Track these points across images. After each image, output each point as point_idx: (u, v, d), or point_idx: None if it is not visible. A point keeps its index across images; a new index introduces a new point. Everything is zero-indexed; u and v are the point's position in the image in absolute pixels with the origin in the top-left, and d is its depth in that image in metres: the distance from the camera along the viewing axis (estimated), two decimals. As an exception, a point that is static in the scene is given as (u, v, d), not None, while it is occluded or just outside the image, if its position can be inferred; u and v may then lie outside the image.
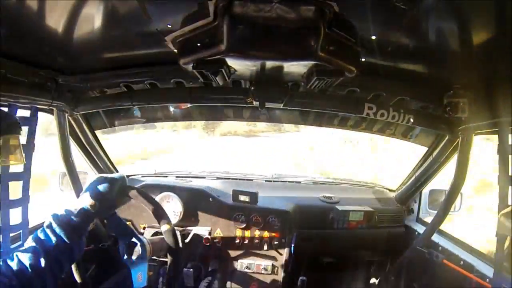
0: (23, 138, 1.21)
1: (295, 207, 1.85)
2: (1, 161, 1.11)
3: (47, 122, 1.76)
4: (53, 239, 0.92)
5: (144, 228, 1.74)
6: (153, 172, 2.34)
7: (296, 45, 0.97)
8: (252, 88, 1.38)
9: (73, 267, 1.31)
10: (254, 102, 1.41)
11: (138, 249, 1.29)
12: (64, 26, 1.03)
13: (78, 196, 1.64)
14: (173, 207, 1.80)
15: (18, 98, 1.17)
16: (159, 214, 1.24)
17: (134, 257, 1.29)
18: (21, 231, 1.31)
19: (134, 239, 1.29)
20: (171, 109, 1.94)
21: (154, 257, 1.38)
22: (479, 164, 6.02)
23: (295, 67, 1.14)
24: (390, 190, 2.23)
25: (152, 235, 1.61)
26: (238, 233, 1.79)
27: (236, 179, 2.23)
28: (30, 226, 1.38)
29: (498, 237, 1.23)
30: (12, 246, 1.26)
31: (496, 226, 1.23)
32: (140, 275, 1.28)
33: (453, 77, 1.33)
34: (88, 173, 1.97)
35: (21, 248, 0.91)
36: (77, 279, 1.31)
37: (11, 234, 1.26)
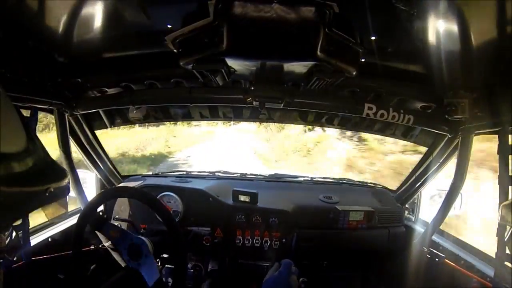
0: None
1: (295, 207, 1.84)
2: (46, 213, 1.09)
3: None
4: None
5: (144, 228, 1.75)
6: (153, 173, 2.35)
7: (296, 46, 0.97)
8: (252, 88, 1.38)
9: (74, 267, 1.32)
10: (254, 102, 1.41)
11: (139, 249, 1.30)
12: (64, 26, 1.03)
13: (78, 195, 1.65)
14: (173, 207, 1.80)
15: (18, 98, 1.16)
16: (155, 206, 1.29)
17: (139, 258, 1.30)
18: (21, 231, 1.31)
19: (133, 241, 1.30)
20: (171, 109, 1.94)
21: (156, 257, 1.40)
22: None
23: (295, 67, 1.14)
24: (390, 190, 2.23)
25: (153, 235, 1.62)
26: (238, 233, 1.79)
27: (236, 179, 2.22)
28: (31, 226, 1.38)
29: (499, 236, 1.23)
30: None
31: (497, 227, 1.23)
32: (151, 272, 1.28)
33: (453, 77, 1.33)
34: (88, 173, 1.97)
35: None
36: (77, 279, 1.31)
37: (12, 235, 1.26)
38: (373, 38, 1.07)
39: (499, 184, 1.25)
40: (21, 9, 0.90)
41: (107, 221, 1.33)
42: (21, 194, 0.45)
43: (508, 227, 1.17)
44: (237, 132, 20.10)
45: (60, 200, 1.13)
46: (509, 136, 1.24)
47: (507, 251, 1.19)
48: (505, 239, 1.17)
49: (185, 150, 13.57)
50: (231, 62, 1.10)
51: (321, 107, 1.56)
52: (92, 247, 1.75)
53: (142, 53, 1.34)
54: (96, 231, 1.30)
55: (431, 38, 1.05)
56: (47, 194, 0.82)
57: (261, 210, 1.81)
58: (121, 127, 1.79)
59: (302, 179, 2.28)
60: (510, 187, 1.21)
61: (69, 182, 0.98)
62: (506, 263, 1.22)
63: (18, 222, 1.26)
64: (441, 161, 1.78)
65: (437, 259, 1.65)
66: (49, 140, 1.58)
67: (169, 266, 1.66)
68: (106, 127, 1.94)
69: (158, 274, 1.26)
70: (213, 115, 1.98)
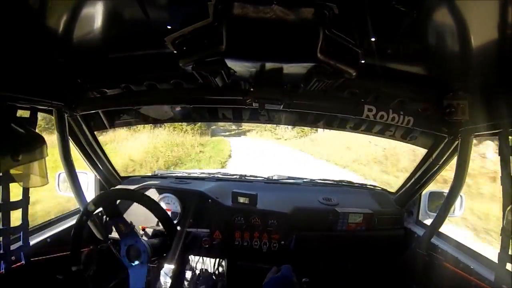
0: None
1: (294, 209, 1.84)
2: (22, 182, 1.07)
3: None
4: None
5: (143, 229, 1.74)
6: (152, 174, 2.34)
7: (296, 47, 0.97)
8: (252, 89, 1.38)
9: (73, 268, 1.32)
10: (253, 104, 1.41)
11: (139, 253, 1.30)
12: (64, 26, 1.03)
13: (77, 196, 1.65)
14: (172, 208, 1.80)
15: (17, 98, 1.16)
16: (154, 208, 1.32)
17: (134, 261, 1.30)
18: (21, 232, 1.30)
19: (137, 243, 1.30)
20: (171, 110, 1.94)
21: (154, 259, 1.40)
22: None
23: (295, 69, 1.14)
24: (390, 192, 2.23)
25: (152, 236, 1.61)
26: (237, 235, 1.78)
27: (236, 180, 2.22)
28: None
29: (502, 238, 1.22)
30: (12, 248, 1.26)
31: (501, 228, 1.22)
32: (139, 279, 1.28)
33: (453, 79, 1.33)
34: (87, 174, 1.97)
35: None
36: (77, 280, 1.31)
37: (12, 236, 1.26)
38: (372, 39, 1.06)
39: (501, 185, 1.24)
40: (20, 9, 0.90)
41: (121, 214, 1.33)
42: None
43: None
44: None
45: (37, 170, 1.10)
46: (509, 137, 1.23)
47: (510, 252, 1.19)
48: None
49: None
50: (230, 63, 1.10)
51: (321, 108, 1.56)
52: (92, 247, 1.75)
53: (142, 54, 1.34)
54: (108, 218, 1.32)
55: (431, 39, 1.05)
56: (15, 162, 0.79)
57: (260, 212, 1.80)
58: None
59: (301, 181, 2.27)
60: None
61: (41, 148, 0.96)
62: (508, 266, 1.21)
63: (18, 222, 1.27)
64: (440, 163, 1.77)
65: (436, 262, 1.65)
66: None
67: (168, 266, 1.66)
68: (106, 128, 1.93)
69: (143, 285, 1.27)
70: (213, 116, 1.98)
